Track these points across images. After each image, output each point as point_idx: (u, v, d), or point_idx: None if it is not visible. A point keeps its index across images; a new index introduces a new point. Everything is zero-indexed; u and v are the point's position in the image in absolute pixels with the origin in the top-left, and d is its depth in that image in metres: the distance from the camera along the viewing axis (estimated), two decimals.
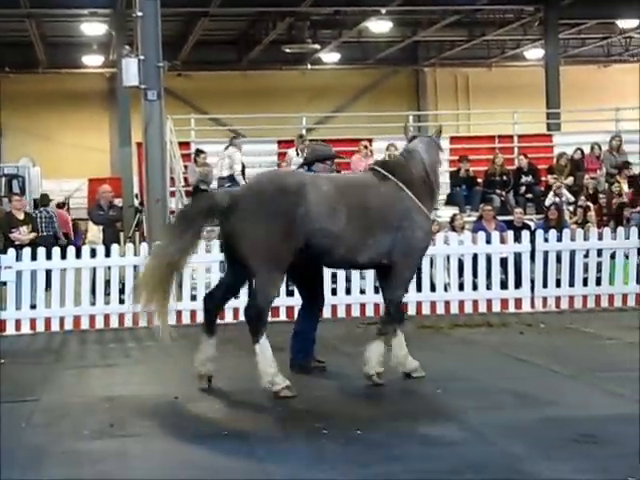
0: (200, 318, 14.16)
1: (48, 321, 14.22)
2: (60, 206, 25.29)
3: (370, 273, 14.84)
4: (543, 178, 20.39)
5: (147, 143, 16.21)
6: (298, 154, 19.80)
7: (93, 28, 27.69)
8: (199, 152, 19.66)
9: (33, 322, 14.20)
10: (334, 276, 14.74)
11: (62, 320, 14.24)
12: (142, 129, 16.23)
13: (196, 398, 9.07)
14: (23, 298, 14.20)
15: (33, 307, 14.29)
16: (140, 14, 16.04)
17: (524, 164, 20.23)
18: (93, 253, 14.51)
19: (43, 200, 21.04)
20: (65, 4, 25.29)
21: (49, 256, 14.31)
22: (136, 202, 21.60)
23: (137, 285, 9.60)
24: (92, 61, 32.08)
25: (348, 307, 14.81)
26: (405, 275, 9.70)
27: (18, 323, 14.16)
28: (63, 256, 14.39)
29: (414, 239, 9.46)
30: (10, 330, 14.07)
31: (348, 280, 14.81)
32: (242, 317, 12.02)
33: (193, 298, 14.46)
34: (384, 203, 9.37)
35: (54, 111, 33.10)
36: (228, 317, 14.01)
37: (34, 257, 14.25)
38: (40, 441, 7.47)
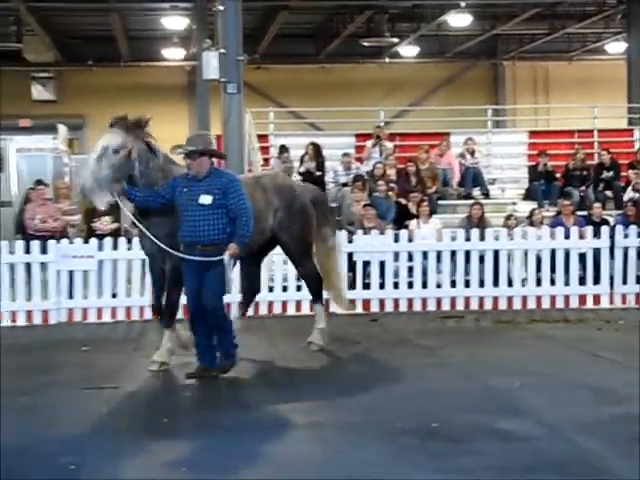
0: (148, 314, 14.09)
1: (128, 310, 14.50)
2: None
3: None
4: (624, 173, 20.13)
5: (226, 135, 16.36)
6: (374, 146, 19.87)
7: (174, 22, 27.93)
8: (283, 149, 19.69)
9: (114, 311, 14.49)
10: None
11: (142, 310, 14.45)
12: (222, 122, 16.37)
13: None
14: (104, 287, 14.48)
15: (114, 296, 14.55)
16: (221, 8, 16.20)
17: (606, 159, 19.97)
18: None
19: None
20: None
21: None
22: None
23: None
24: (172, 54, 32.36)
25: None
26: None
27: (100, 311, 14.43)
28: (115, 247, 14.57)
29: None
30: (92, 318, 14.35)
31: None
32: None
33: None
34: None
35: (134, 104, 33.10)
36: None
37: (115, 247, 14.49)
38: None
